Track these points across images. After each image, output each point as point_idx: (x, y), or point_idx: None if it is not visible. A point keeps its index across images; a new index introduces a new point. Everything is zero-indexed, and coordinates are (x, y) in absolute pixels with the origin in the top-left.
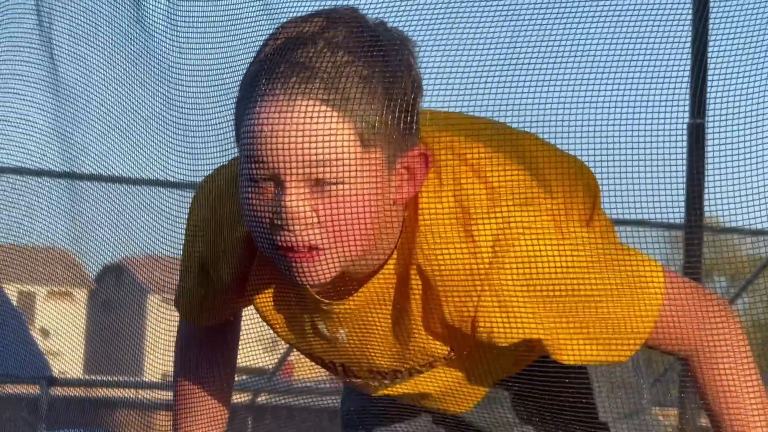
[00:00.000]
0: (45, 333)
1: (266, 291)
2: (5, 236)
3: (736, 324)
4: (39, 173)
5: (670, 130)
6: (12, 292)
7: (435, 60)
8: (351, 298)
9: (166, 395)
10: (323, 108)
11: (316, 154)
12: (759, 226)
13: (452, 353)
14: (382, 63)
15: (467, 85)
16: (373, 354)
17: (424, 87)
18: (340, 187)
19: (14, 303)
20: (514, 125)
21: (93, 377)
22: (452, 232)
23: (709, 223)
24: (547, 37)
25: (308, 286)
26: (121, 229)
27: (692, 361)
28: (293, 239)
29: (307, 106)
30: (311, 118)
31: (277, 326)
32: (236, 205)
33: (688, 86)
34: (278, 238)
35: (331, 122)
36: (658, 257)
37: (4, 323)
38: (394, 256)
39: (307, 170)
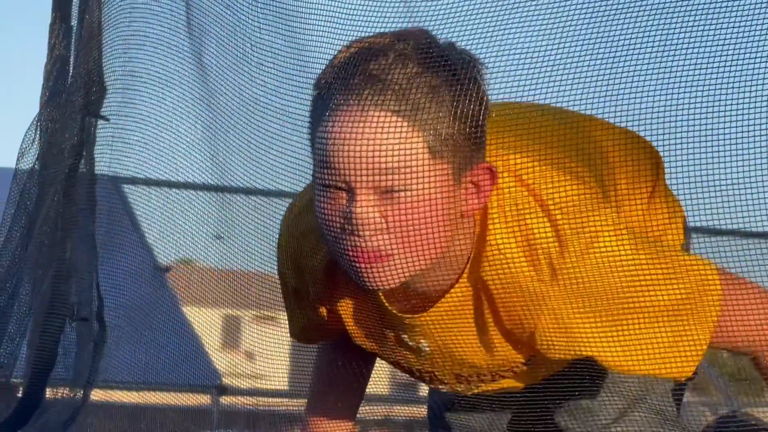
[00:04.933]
0: (250, 356)
1: (348, 307)
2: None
3: None
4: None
5: None
6: (217, 315)
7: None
8: (429, 311)
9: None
10: (394, 119)
11: (385, 163)
12: None
13: (530, 359)
14: (450, 74)
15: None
16: (456, 361)
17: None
18: (408, 193)
19: (219, 326)
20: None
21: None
22: (518, 262)
23: None
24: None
25: (385, 303)
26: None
27: (759, 356)
28: (363, 245)
29: (378, 117)
30: (382, 128)
31: (362, 338)
32: (314, 229)
33: None
34: (348, 243)
35: (401, 132)
36: None
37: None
38: (466, 271)
39: (376, 178)
